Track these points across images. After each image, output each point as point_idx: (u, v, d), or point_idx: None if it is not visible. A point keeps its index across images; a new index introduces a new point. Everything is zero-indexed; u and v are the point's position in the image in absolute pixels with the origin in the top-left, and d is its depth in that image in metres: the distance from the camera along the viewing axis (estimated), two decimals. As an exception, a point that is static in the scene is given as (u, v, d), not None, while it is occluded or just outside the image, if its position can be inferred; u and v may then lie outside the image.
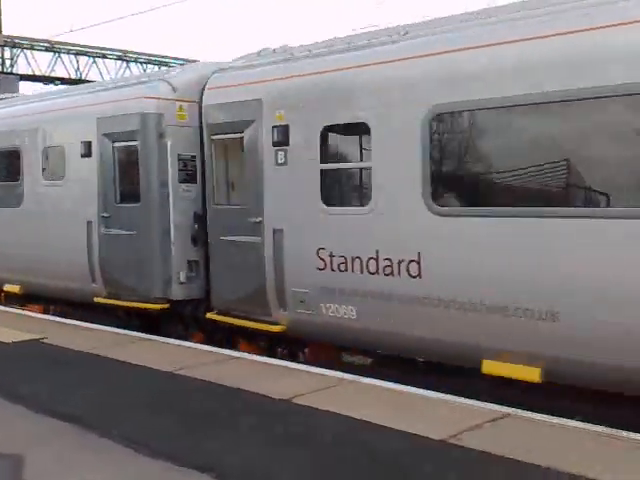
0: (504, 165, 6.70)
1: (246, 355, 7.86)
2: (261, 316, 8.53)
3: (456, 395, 6.17)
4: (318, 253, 7.83)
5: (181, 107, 9.58)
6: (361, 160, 7.72)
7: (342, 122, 7.69)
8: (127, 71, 46.75)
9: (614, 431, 5.14)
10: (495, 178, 6.84)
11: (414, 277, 7.05)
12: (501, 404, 5.93)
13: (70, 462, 4.86)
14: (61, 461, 4.88)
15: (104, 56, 46.80)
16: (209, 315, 9.16)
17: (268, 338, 8.77)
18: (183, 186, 9.59)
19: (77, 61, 45.70)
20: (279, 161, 8.21)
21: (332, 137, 7.88)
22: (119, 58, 47.31)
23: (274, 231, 8.26)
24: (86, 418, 5.68)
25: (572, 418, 5.56)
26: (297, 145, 8.05)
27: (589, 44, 5.91)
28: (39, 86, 42.80)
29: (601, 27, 5.85)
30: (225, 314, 8.98)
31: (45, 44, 42.77)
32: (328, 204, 7.81)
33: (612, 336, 5.73)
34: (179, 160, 9.54)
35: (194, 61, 36.82)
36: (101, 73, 46.32)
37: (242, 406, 5.98)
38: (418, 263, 7.01)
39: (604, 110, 5.87)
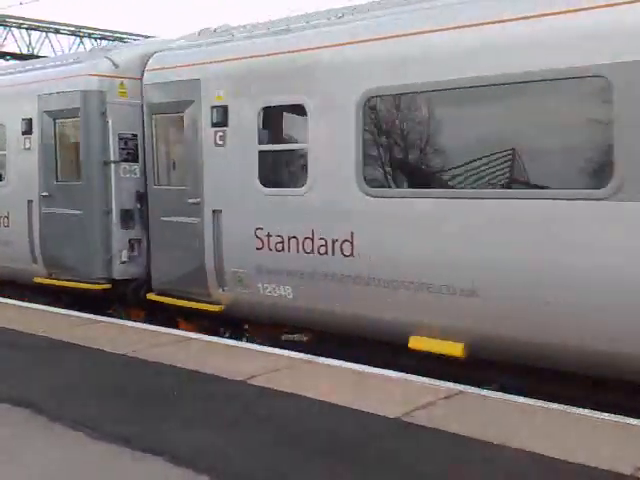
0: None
1: (202, 336, 7.78)
2: (201, 296, 8.61)
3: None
4: (256, 233, 7.93)
5: (122, 84, 9.53)
6: (298, 142, 7.78)
7: (280, 104, 7.77)
8: (81, 47, 45.82)
9: (564, 407, 5.27)
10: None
11: (347, 256, 7.21)
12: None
13: (18, 447, 4.75)
14: (9, 446, 4.78)
15: (57, 31, 45.73)
16: (149, 296, 9.20)
17: (209, 318, 8.85)
18: (124, 165, 9.56)
19: (29, 36, 44.66)
20: (218, 142, 8.25)
21: (270, 119, 7.94)
22: (73, 33, 46.25)
23: (213, 212, 8.32)
24: (37, 402, 5.57)
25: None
26: (235, 126, 8.10)
27: None
28: (-11, 61, 41.76)
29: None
30: (166, 294, 9.03)
31: (-5, 18, 41.67)
32: (265, 185, 7.90)
33: None
34: (120, 139, 9.51)
35: (150, 37, 36.18)
36: (54, 49, 45.35)
37: (198, 388, 5.94)
38: (351, 242, 7.17)
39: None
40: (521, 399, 5.49)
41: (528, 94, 6.11)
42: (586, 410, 5.21)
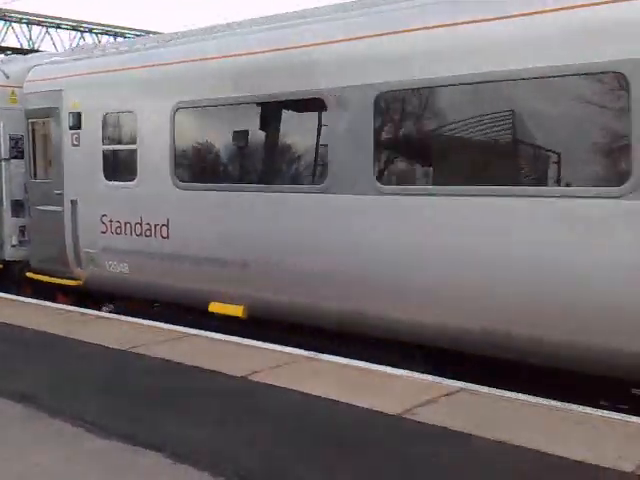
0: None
1: (203, 332, 7.90)
2: (65, 273, 10.18)
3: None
4: (102, 219, 9.46)
5: (13, 92, 11.10)
6: (130, 143, 9.28)
7: (117, 111, 9.29)
8: (81, 42, 47.25)
9: (567, 405, 5.31)
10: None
11: (164, 238, 8.74)
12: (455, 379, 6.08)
13: (17, 442, 4.75)
14: (8, 442, 4.78)
15: (58, 26, 46.75)
16: (27, 274, 10.79)
17: (82, 292, 10.41)
18: (15, 162, 11.13)
19: (29, 31, 46.05)
20: (74, 142, 9.80)
21: (111, 123, 9.46)
22: (73, 28, 47.24)
23: (71, 202, 9.88)
24: (36, 397, 5.57)
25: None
26: (86, 129, 9.64)
27: None
28: (-15, 57, 43.11)
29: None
30: (39, 272, 10.61)
31: (-6, 12, 43.07)
32: (108, 179, 9.42)
33: None
34: (11, 139, 11.09)
35: (153, 32, 37.53)
36: (54, 43, 46.80)
37: (198, 384, 5.97)
38: (167, 227, 8.69)
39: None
40: (523, 396, 5.53)
41: (277, 111, 7.61)
42: (588, 408, 5.24)
